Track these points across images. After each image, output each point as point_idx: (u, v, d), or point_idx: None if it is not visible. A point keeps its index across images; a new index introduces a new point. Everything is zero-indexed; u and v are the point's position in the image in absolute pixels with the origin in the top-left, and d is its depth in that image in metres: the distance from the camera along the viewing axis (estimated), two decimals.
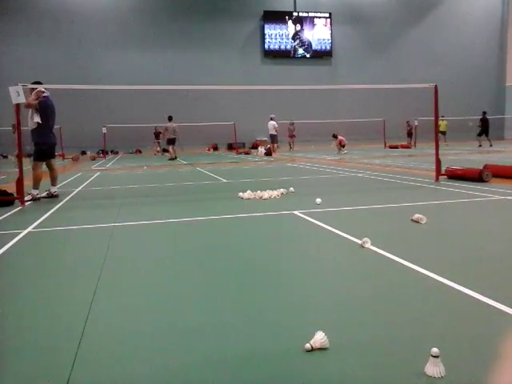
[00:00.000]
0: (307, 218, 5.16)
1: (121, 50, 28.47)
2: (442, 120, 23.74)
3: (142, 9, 28.90)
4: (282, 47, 31.44)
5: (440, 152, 8.57)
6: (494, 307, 2.45)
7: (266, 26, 30.87)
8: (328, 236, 4.33)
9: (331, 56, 31.98)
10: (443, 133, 24.18)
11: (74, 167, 16.15)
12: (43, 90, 7.51)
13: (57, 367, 1.98)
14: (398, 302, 2.63)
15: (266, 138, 25.05)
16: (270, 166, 14.24)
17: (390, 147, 23.62)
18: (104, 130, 22.14)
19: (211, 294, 2.84)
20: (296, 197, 6.86)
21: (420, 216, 4.69)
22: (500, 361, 1.94)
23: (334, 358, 1.98)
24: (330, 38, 31.80)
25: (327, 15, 31.62)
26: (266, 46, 31.00)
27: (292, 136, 24.97)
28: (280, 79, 29.24)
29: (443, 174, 8.45)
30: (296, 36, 31.66)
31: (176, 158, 18.29)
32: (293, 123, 25.05)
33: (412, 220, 4.74)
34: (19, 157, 7.30)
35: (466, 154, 16.16)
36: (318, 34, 31.73)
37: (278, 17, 31.07)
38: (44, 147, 7.58)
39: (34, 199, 7.30)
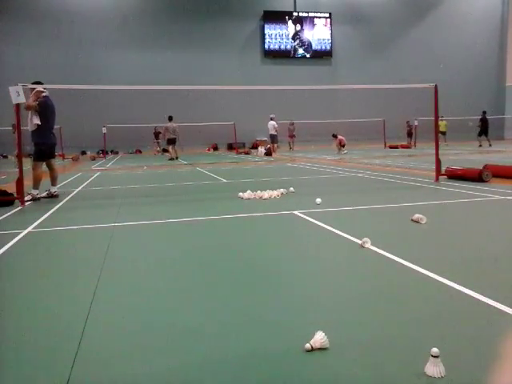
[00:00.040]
0: (307, 217, 5.16)
1: (121, 49, 28.47)
2: (442, 120, 23.73)
3: (142, 9, 28.90)
4: (282, 47, 31.44)
5: (440, 152, 8.57)
6: (494, 307, 2.45)
7: (266, 26, 30.86)
8: (328, 236, 4.33)
9: (331, 56, 31.98)
10: (443, 133, 24.18)
11: (74, 167, 16.15)
12: (41, 89, 7.49)
13: (57, 367, 1.98)
14: (398, 302, 2.63)
15: (265, 138, 25.05)
16: (269, 166, 14.24)
17: (390, 147, 23.62)
18: (104, 130, 22.14)
19: (211, 294, 2.84)
20: (296, 197, 6.86)
21: (420, 216, 4.69)
22: (500, 361, 1.94)
23: (334, 357, 1.98)
24: (329, 37, 31.80)
25: (327, 15, 31.62)
26: (266, 46, 31.00)
27: (292, 136, 24.97)
28: (280, 79, 29.24)
29: (443, 174, 8.45)
30: (296, 36, 31.66)
31: (177, 158, 18.28)
32: (293, 123, 25.05)
33: (412, 220, 4.74)
34: (19, 157, 7.30)
35: (466, 154, 16.16)
36: (318, 33, 31.73)
37: (278, 17, 31.07)
38: (44, 147, 7.58)
39: (34, 199, 7.30)
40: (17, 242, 4.43)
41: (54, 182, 7.79)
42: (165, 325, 2.40)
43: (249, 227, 4.97)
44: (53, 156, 7.92)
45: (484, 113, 22.50)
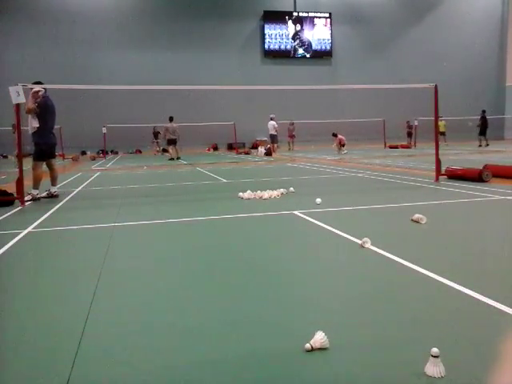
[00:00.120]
0: (307, 217, 5.16)
1: (121, 50, 28.47)
2: (441, 120, 23.73)
3: (142, 9, 28.90)
4: (282, 47, 31.43)
5: (440, 152, 8.58)
6: (494, 307, 2.45)
7: (266, 26, 30.86)
8: (328, 236, 4.33)
9: (331, 56, 31.97)
10: (442, 133, 24.18)
11: (74, 167, 16.15)
12: (38, 89, 7.44)
13: (57, 367, 1.98)
14: (398, 302, 2.63)
15: (266, 138, 25.05)
16: (270, 166, 14.24)
17: (390, 147, 23.62)
18: (104, 129, 22.14)
19: (211, 294, 2.84)
20: (296, 197, 6.86)
21: (420, 216, 4.69)
22: (500, 361, 1.94)
23: (334, 357, 1.98)
24: (330, 38, 31.79)
25: (327, 15, 31.61)
26: (266, 46, 30.99)
27: (292, 136, 24.97)
28: (280, 79, 29.23)
29: (443, 174, 8.45)
30: (296, 36, 31.65)
31: (179, 158, 18.27)
32: (293, 123, 25.05)
33: (412, 220, 4.74)
34: (19, 157, 7.30)
35: (466, 154, 16.16)
36: (318, 33, 31.73)
37: (278, 17, 31.06)
38: (44, 147, 7.58)
39: (34, 199, 7.30)
40: (17, 242, 4.43)
41: (54, 182, 7.78)
42: (165, 325, 2.40)
43: (249, 227, 4.97)
44: (53, 156, 7.92)
45: (483, 112, 22.52)
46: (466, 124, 25.28)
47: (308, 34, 31.68)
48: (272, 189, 7.17)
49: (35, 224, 5.30)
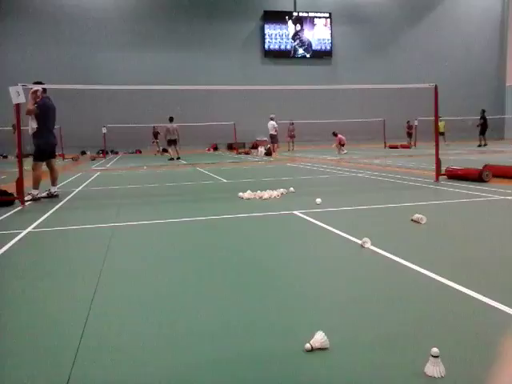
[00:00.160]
0: (307, 217, 5.16)
1: (121, 50, 28.46)
2: (440, 120, 23.71)
3: (142, 9, 28.90)
4: (282, 47, 31.43)
5: (440, 152, 8.58)
6: (494, 307, 2.45)
7: (266, 26, 30.85)
8: (328, 236, 4.33)
9: (331, 56, 31.97)
10: (441, 133, 24.16)
11: (74, 167, 16.15)
12: (36, 89, 7.42)
13: (57, 367, 1.98)
14: (397, 302, 2.63)
15: (265, 138, 25.04)
16: (270, 166, 14.23)
17: (390, 147, 23.61)
18: (104, 129, 22.14)
19: (211, 294, 2.84)
20: (296, 197, 6.86)
21: (420, 216, 4.69)
22: (500, 361, 1.94)
23: (334, 357, 1.98)
24: (329, 37, 31.79)
25: (327, 15, 31.61)
26: (266, 46, 30.99)
27: (291, 136, 24.97)
28: (280, 79, 29.23)
29: (443, 174, 8.45)
30: (296, 36, 31.65)
31: (179, 158, 18.27)
32: (292, 123, 25.05)
33: (412, 220, 4.74)
34: (19, 157, 7.29)
35: (465, 154, 16.16)
36: (318, 33, 31.72)
37: (278, 17, 31.06)
38: (44, 147, 7.58)
39: (34, 199, 7.30)
40: (17, 241, 4.43)
41: (54, 182, 7.79)
42: (165, 324, 2.40)
43: (249, 227, 4.97)
44: (53, 156, 7.92)
45: (483, 112, 22.52)
46: (466, 124, 25.24)
47: (308, 34, 31.68)
48: (272, 189, 7.17)
49: (35, 224, 5.30)
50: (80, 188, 9.07)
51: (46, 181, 7.83)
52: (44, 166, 7.73)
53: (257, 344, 2.14)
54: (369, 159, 15.25)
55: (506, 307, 2.42)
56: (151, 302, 2.74)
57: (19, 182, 6.86)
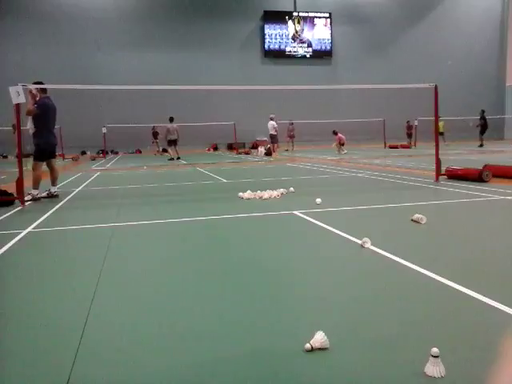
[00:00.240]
0: (307, 217, 5.16)
1: (121, 49, 28.45)
2: (440, 120, 23.71)
3: (143, 9, 28.90)
4: (282, 47, 31.42)
5: (440, 152, 8.58)
6: (494, 307, 2.45)
7: (266, 26, 30.84)
8: (328, 236, 4.33)
9: (331, 56, 31.96)
10: (441, 133, 24.17)
11: (74, 167, 16.15)
12: (34, 89, 7.41)
13: (57, 367, 1.98)
14: (397, 302, 2.63)
15: (265, 138, 25.04)
16: (269, 166, 14.24)
17: (390, 147, 23.62)
18: (104, 129, 22.13)
19: (211, 294, 2.84)
20: (296, 197, 6.86)
21: (420, 216, 4.69)
22: (500, 361, 1.94)
23: (334, 357, 1.98)
24: (330, 37, 31.77)
25: (327, 15, 31.60)
26: (266, 46, 30.98)
27: (291, 136, 24.97)
28: (280, 79, 29.22)
29: (443, 174, 8.45)
30: (296, 36, 31.64)
31: (179, 158, 18.27)
32: (292, 123, 25.05)
33: (412, 220, 4.74)
34: (19, 157, 7.29)
35: (465, 154, 16.16)
36: (318, 33, 31.72)
37: (278, 17, 31.04)
38: (44, 147, 7.58)
39: (34, 199, 7.30)
40: (17, 241, 4.43)
41: (54, 182, 7.78)
42: (165, 324, 2.40)
43: (249, 227, 4.97)
44: (53, 156, 7.92)
45: (483, 112, 22.53)
46: (467, 124, 25.22)
47: (308, 34, 31.67)
48: (272, 189, 7.17)
49: (35, 224, 5.30)
50: (80, 188, 9.07)
51: (46, 181, 7.83)
52: (44, 166, 7.74)
53: (257, 344, 2.14)
54: (369, 159, 15.25)
55: (506, 307, 2.42)
56: (151, 302, 2.74)
57: (19, 182, 6.86)
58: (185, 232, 4.83)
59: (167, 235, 4.69)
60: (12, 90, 6.76)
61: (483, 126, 22.16)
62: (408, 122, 25.86)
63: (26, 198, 7.00)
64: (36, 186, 7.40)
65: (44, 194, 7.57)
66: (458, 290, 2.73)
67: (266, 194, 6.80)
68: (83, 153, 26.16)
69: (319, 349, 2.03)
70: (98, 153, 24.73)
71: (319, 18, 31.63)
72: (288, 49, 31.53)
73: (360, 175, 9.85)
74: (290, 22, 31.36)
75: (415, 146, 24.46)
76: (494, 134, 28.34)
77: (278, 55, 31.28)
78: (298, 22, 31.41)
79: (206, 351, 2.08)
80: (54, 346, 2.20)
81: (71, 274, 3.38)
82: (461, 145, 23.73)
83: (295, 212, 5.51)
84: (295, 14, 31.35)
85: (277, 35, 31.15)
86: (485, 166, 8.40)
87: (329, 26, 31.72)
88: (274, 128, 21.17)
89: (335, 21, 31.65)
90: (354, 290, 2.85)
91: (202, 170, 12.91)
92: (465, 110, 29.30)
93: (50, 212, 6.22)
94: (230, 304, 2.67)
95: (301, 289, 2.92)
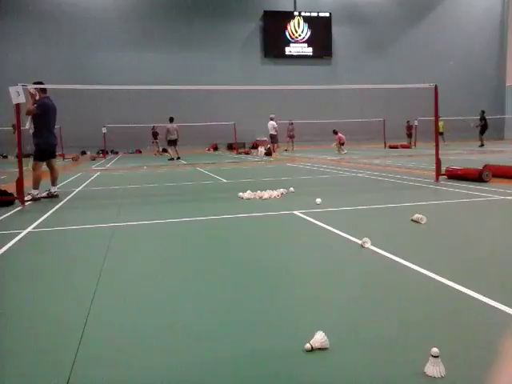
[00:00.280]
0: (307, 218, 5.16)
1: (121, 50, 28.45)
2: (440, 121, 23.68)
3: (143, 9, 28.90)
4: (282, 47, 31.39)
5: (440, 152, 8.58)
6: (494, 307, 2.45)
7: (266, 26, 30.83)
8: (328, 236, 4.33)
9: (331, 56, 31.96)
10: (440, 133, 24.16)
11: (74, 167, 16.15)
12: (33, 89, 7.40)
13: (57, 367, 1.98)
14: (397, 302, 2.63)
15: (265, 138, 25.04)
16: (269, 166, 14.24)
17: (390, 147, 23.62)
18: (104, 129, 22.12)
19: (211, 294, 2.84)
20: (296, 197, 6.86)
21: (420, 216, 4.69)
22: (500, 361, 1.94)
23: (334, 357, 1.98)
24: (329, 38, 31.77)
25: (327, 15, 31.60)
26: (266, 46, 30.97)
27: (291, 136, 24.96)
28: (280, 79, 29.21)
29: (443, 174, 8.45)
30: (296, 36, 31.61)
31: (179, 158, 18.27)
32: (292, 123, 25.05)
33: (412, 220, 4.74)
34: (19, 157, 7.29)
35: (465, 154, 16.16)
36: (318, 34, 31.69)
37: (278, 17, 31.03)
38: (44, 147, 7.58)
39: (34, 199, 7.30)
40: (17, 241, 4.43)
41: (54, 182, 7.78)
42: (165, 325, 2.39)
43: (249, 227, 4.97)
44: (53, 156, 7.92)
45: (483, 112, 22.53)
46: (468, 124, 25.20)
47: (308, 34, 31.64)
48: (272, 189, 7.17)
49: (35, 224, 5.30)
50: (80, 188, 9.07)
51: (46, 181, 7.83)
52: (44, 166, 7.73)
53: (257, 344, 2.14)
54: (369, 159, 15.25)
55: (506, 307, 2.42)
56: (151, 302, 2.74)
57: (19, 182, 6.86)
58: (185, 232, 4.83)
59: (167, 235, 4.69)
60: (12, 89, 6.76)
61: (483, 127, 22.19)
62: (408, 122, 25.86)
63: (25, 198, 7.00)
64: (36, 186, 7.39)
65: (44, 194, 7.57)
66: (457, 290, 2.73)
67: (266, 194, 6.80)
68: (83, 153, 26.16)
69: (319, 349, 2.03)
70: (97, 153, 24.73)
71: (319, 18, 31.62)
72: (288, 49, 31.51)
73: (360, 175, 9.85)
74: (290, 22, 31.34)
75: (415, 146, 24.46)
76: (494, 134, 28.35)
77: (278, 55, 31.27)
78: (298, 22, 31.42)
79: (206, 351, 2.08)
80: (54, 346, 2.20)
81: (71, 274, 3.38)
82: (461, 145, 23.73)
83: (295, 212, 5.51)
84: (295, 13, 31.35)
85: (277, 35, 31.13)
86: (485, 166, 8.40)
87: (329, 26, 31.70)
88: (274, 128, 21.17)
89: (335, 21, 31.64)
90: (354, 290, 2.85)
91: (201, 169, 12.91)
92: (465, 110, 29.30)
93: (50, 212, 6.22)
94: (229, 304, 2.67)
95: (301, 289, 2.92)
